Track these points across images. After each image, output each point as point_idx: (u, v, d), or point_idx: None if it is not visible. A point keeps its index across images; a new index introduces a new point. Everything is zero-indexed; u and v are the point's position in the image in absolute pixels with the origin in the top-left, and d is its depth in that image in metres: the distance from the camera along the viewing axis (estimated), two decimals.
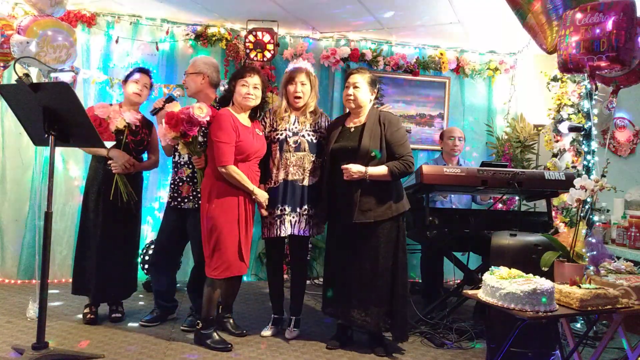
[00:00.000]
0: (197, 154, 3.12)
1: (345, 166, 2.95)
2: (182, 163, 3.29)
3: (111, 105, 3.35)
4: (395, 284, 2.99)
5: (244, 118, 3.11)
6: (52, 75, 3.19)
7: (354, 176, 2.93)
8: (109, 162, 3.26)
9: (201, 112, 2.97)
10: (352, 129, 3.09)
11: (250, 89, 3.04)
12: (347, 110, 3.25)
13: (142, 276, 4.10)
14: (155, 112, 3.27)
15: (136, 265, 3.59)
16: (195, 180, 3.25)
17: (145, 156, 3.54)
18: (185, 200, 3.26)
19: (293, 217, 3.12)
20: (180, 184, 3.28)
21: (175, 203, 3.27)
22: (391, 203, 2.99)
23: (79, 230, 3.44)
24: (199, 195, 3.17)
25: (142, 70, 3.46)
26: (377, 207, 2.97)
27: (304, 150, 3.15)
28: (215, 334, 3.03)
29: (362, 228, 2.97)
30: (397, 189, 3.06)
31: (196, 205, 3.21)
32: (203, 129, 3.13)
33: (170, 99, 3.26)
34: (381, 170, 2.95)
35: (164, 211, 3.47)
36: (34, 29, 3.29)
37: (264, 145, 3.15)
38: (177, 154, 3.31)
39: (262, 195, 3.06)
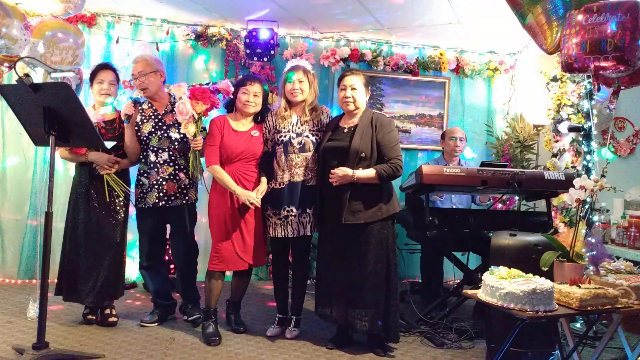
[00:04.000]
0: (203, 134, 3.21)
1: (332, 171, 2.96)
2: (161, 162, 3.29)
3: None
4: (386, 286, 2.99)
5: (243, 123, 3.25)
6: (59, 75, 3.18)
7: (340, 180, 2.94)
8: (93, 165, 3.25)
9: (231, 88, 3.22)
10: (345, 130, 3.10)
11: (250, 97, 3.19)
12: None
13: (142, 276, 4.10)
14: (129, 117, 3.22)
15: (121, 268, 3.41)
16: (178, 178, 3.28)
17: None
18: (173, 197, 3.29)
19: (304, 218, 3.14)
20: (164, 182, 3.28)
21: (164, 202, 3.28)
22: (381, 204, 3.00)
23: (63, 232, 3.38)
24: (185, 191, 3.32)
25: (105, 67, 3.38)
26: (367, 209, 2.97)
27: (309, 151, 3.16)
28: (210, 325, 3.15)
29: (352, 229, 2.98)
30: (388, 190, 3.06)
31: (183, 202, 3.31)
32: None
33: (136, 103, 3.27)
34: (369, 173, 2.95)
35: (137, 216, 3.42)
36: (41, 30, 3.29)
37: (255, 147, 3.20)
38: (153, 154, 3.30)
39: (243, 194, 3.07)
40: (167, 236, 3.60)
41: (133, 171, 3.49)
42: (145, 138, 3.32)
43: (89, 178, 3.29)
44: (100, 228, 3.28)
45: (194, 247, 3.49)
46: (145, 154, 3.34)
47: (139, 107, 3.33)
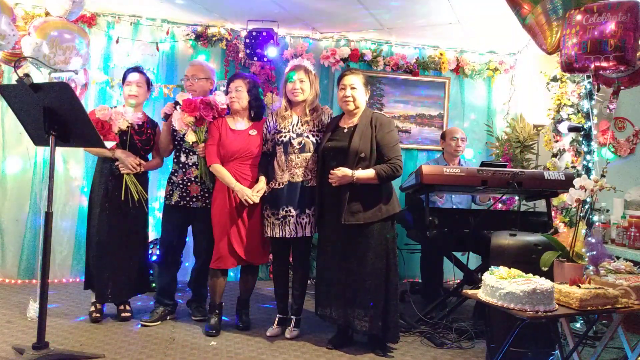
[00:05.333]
0: (204, 142, 3.27)
1: (331, 172, 2.96)
2: (190, 164, 3.40)
3: (115, 107, 3.38)
4: (386, 286, 2.99)
5: (238, 121, 3.31)
6: (53, 75, 3.19)
7: (340, 181, 2.94)
8: (116, 163, 3.30)
9: (222, 98, 3.28)
10: (345, 130, 3.10)
11: (233, 93, 3.27)
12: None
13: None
14: (167, 117, 3.36)
15: (146, 264, 3.59)
16: (203, 180, 3.35)
17: (150, 156, 3.56)
18: (194, 199, 3.37)
19: (303, 219, 3.15)
20: (189, 184, 3.38)
21: (185, 202, 3.37)
22: (381, 205, 3.00)
23: (87, 231, 3.47)
24: (207, 194, 3.37)
25: (134, 70, 3.48)
26: (366, 209, 2.97)
27: (309, 151, 3.17)
28: (212, 319, 3.27)
29: (351, 230, 2.98)
30: (387, 190, 3.06)
31: (204, 205, 3.37)
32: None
33: (177, 104, 3.35)
34: (368, 173, 2.95)
35: (163, 211, 3.53)
36: (45, 30, 3.29)
37: (251, 146, 3.23)
38: (184, 155, 3.41)
39: (241, 191, 3.13)
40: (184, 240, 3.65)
41: (154, 176, 3.54)
42: (180, 139, 3.41)
43: (109, 176, 3.34)
44: (121, 227, 3.35)
45: (212, 247, 3.52)
46: (177, 154, 3.46)
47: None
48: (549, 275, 2.36)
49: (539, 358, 2.69)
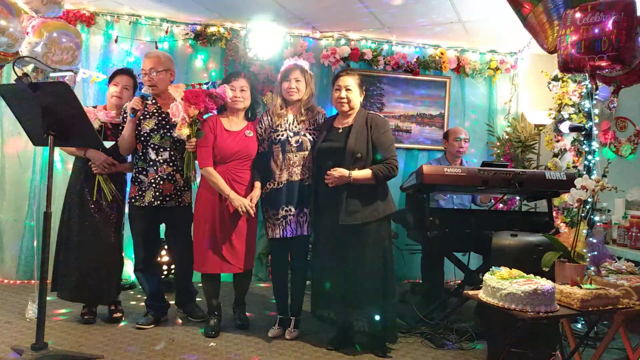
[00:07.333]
0: (198, 136, 3.15)
1: (328, 172, 2.95)
2: (161, 161, 3.25)
3: (95, 107, 3.35)
4: (383, 286, 2.98)
5: (234, 121, 3.24)
6: (52, 75, 3.18)
7: (337, 181, 2.93)
8: (89, 163, 3.25)
9: (229, 92, 3.15)
10: (340, 130, 3.09)
11: (237, 92, 3.19)
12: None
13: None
14: (135, 112, 3.21)
15: (118, 269, 3.44)
16: (175, 179, 3.26)
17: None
18: (167, 198, 3.26)
19: (302, 217, 3.14)
20: (161, 182, 3.24)
21: (158, 202, 3.24)
22: (378, 204, 2.99)
23: (58, 229, 3.35)
24: (180, 192, 3.29)
25: (123, 72, 3.43)
26: (363, 209, 2.96)
27: (306, 150, 3.16)
28: (212, 320, 3.26)
29: (348, 230, 2.96)
30: (384, 190, 3.05)
31: (177, 204, 3.29)
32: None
33: (143, 98, 3.27)
34: (365, 173, 2.94)
35: (131, 213, 3.36)
36: (42, 30, 3.29)
37: (250, 147, 3.20)
38: (154, 152, 3.26)
39: (237, 200, 3.07)
40: (161, 238, 3.59)
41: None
42: (146, 135, 3.26)
43: (84, 177, 3.29)
44: (93, 228, 3.28)
45: (190, 245, 3.40)
46: (144, 151, 3.27)
47: (144, 103, 3.31)
48: (550, 275, 2.35)
49: (539, 359, 2.68)
